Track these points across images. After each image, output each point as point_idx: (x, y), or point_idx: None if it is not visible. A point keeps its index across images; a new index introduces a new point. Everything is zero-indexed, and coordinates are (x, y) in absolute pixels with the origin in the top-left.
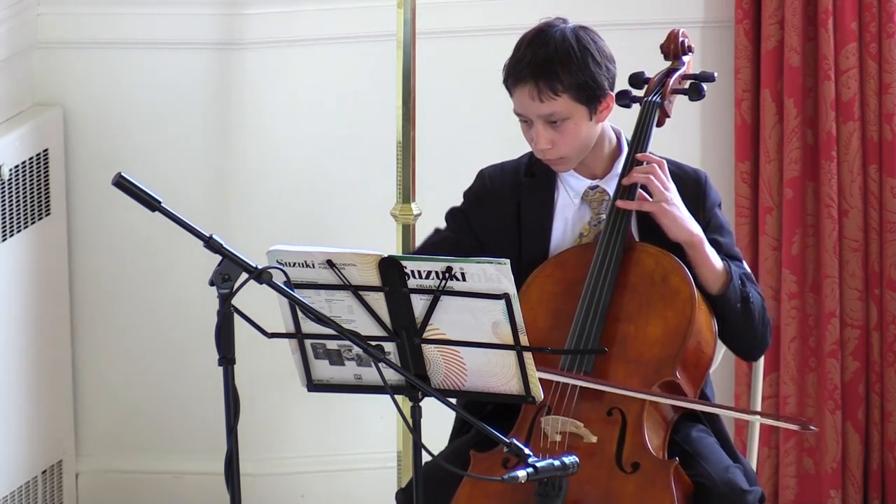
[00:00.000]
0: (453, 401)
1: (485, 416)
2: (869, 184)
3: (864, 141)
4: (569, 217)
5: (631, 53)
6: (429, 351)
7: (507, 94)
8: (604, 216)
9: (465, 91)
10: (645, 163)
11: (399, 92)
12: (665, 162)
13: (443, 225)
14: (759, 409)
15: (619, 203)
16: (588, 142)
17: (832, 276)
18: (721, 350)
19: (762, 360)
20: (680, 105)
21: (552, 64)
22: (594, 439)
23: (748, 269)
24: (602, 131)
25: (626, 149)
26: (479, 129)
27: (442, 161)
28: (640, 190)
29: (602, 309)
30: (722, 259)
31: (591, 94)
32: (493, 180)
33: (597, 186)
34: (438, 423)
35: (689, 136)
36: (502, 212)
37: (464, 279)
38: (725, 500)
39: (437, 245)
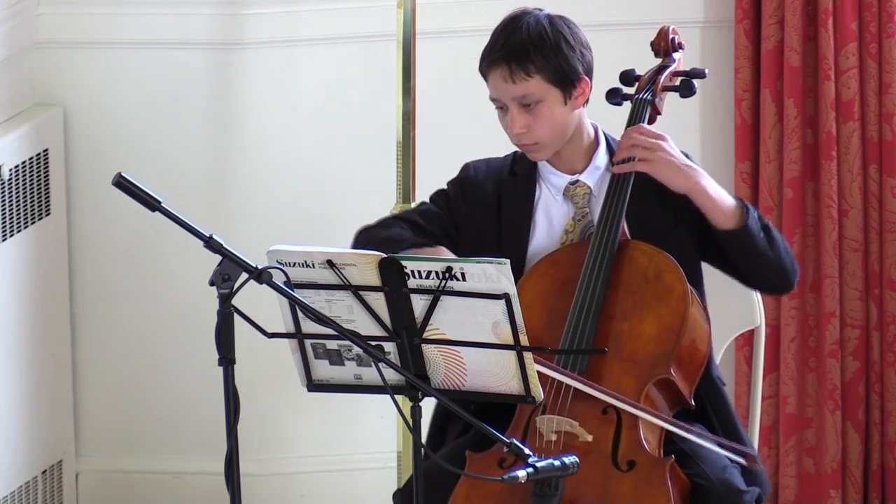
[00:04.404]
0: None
1: (476, 415)
2: (869, 184)
3: (864, 141)
4: (552, 214)
5: (630, 53)
6: (429, 351)
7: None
8: (588, 210)
9: (465, 91)
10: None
11: (399, 92)
12: (643, 125)
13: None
14: (759, 409)
15: (615, 168)
16: (564, 128)
17: (832, 276)
18: (721, 349)
19: (762, 359)
20: (680, 105)
21: (524, 45)
22: (589, 438)
23: None
24: (579, 124)
25: (603, 142)
26: (479, 129)
27: (442, 161)
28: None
29: (595, 307)
30: (733, 197)
31: (565, 76)
32: (478, 173)
33: (577, 181)
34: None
35: (689, 136)
36: (482, 207)
37: (464, 279)
38: (722, 499)
39: (423, 214)
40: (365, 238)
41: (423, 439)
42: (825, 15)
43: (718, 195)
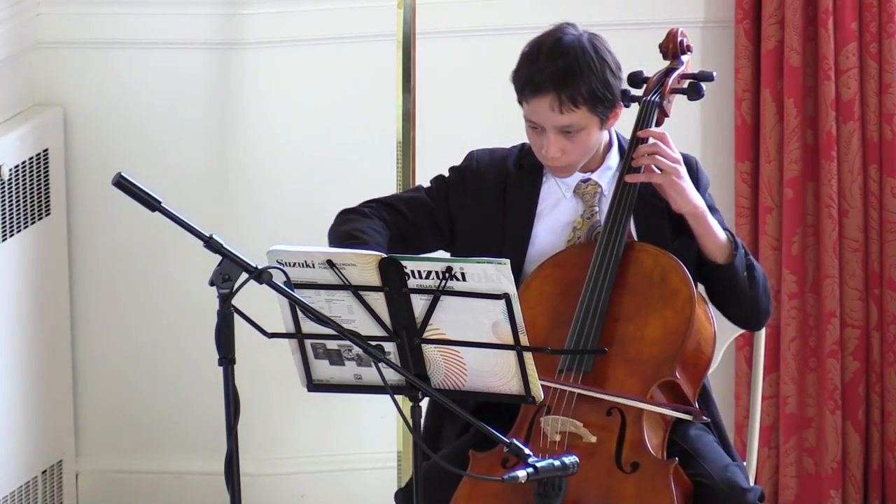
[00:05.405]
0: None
1: (480, 415)
2: (869, 184)
3: (864, 141)
4: (560, 210)
5: (631, 53)
6: (429, 351)
7: (518, 100)
8: (597, 208)
9: (465, 91)
10: (648, 139)
11: (399, 92)
12: (666, 134)
13: (427, 185)
14: (759, 409)
15: (627, 177)
16: (595, 148)
17: (832, 276)
18: (721, 349)
19: (762, 359)
20: (680, 105)
21: (573, 75)
22: (593, 439)
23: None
24: None
25: (616, 142)
26: (480, 129)
27: (442, 161)
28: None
29: (601, 309)
30: (724, 230)
31: (608, 105)
32: (481, 163)
33: (589, 179)
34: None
35: (689, 136)
36: (483, 198)
37: (464, 279)
38: (725, 498)
39: (409, 202)
40: (337, 223)
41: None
42: (825, 15)
43: (714, 227)
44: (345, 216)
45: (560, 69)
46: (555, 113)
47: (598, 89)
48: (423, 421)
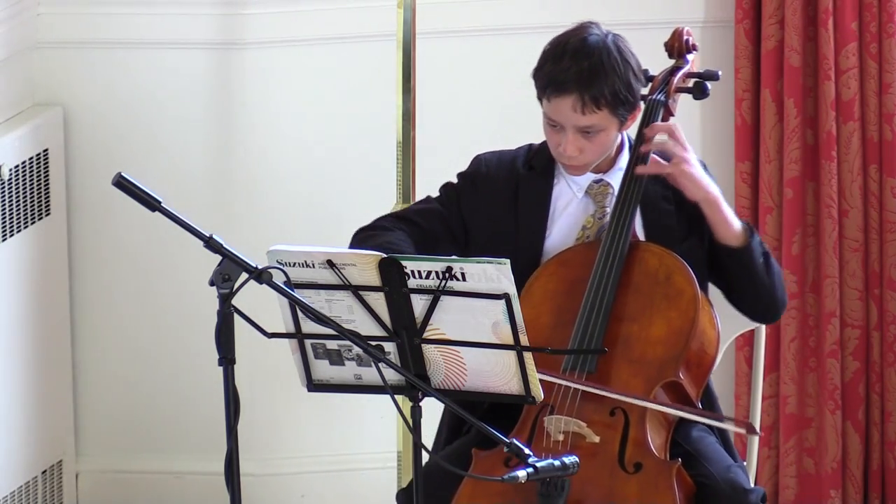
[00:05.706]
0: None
1: (486, 414)
2: (869, 184)
3: (864, 141)
4: (571, 210)
5: None
6: (429, 351)
7: (539, 97)
8: (608, 209)
9: (465, 91)
10: (656, 135)
11: (399, 92)
12: (676, 125)
13: (435, 194)
14: (759, 409)
15: (637, 169)
16: (611, 148)
17: (832, 276)
18: (721, 349)
19: (762, 359)
20: (680, 105)
21: (598, 78)
22: (597, 439)
23: None
24: None
25: (626, 144)
26: (480, 129)
27: (442, 161)
28: (654, 155)
29: (605, 308)
30: (740, 220)
31: (629, 106)
32: (490, 167)
33: (601, 180)
34: (438, 423)
35: (690, 136)
36: (495, 201)
37: (464, 279)
38: (728, 499)
39: (422, 213)
40: (361, 239)
41: (432, 437)
42: (825, 15)
43: (728, 213)
44: (367, 232)
45: (585, 70)
46: (577, 113)
47: (621, 91)
48: (441, 417)
